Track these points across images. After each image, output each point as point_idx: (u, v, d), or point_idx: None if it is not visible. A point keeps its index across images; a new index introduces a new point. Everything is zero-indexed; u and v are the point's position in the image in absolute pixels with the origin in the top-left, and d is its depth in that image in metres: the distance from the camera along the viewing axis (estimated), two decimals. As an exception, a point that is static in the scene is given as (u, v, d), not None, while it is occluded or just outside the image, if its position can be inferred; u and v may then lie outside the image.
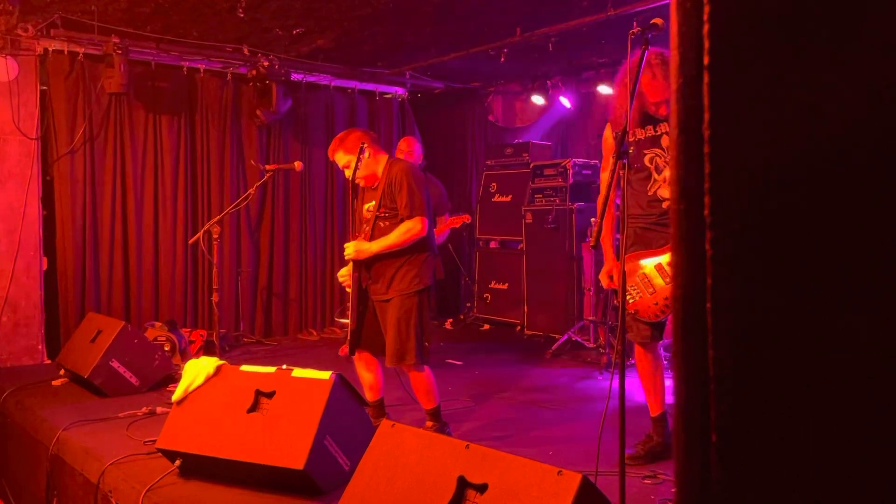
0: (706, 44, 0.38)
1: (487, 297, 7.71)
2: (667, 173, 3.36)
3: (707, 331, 0.40)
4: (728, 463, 0.40)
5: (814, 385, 0.39)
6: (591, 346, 6.23)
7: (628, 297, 3.51)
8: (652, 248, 3.47)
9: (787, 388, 0.40)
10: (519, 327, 7.25)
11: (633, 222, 3.52)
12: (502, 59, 6.55)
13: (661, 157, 3.40)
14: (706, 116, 0.38)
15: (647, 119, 3.42)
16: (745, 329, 0.39)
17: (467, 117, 8.72)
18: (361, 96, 7.69)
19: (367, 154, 3.78)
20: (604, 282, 3.61)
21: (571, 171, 6.89)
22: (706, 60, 0.38)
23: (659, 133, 3.41)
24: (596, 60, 7.20)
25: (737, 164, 0.38)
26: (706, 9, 0.38)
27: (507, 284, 7.53)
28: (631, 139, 3.40)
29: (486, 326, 7.64)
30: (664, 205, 3.42)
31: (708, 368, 0.40)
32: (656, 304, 3.43)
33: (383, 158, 3.91)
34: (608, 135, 3.56)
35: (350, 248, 3.80)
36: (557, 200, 6.95)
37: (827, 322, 0.39)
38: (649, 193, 3.45)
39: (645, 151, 3.42)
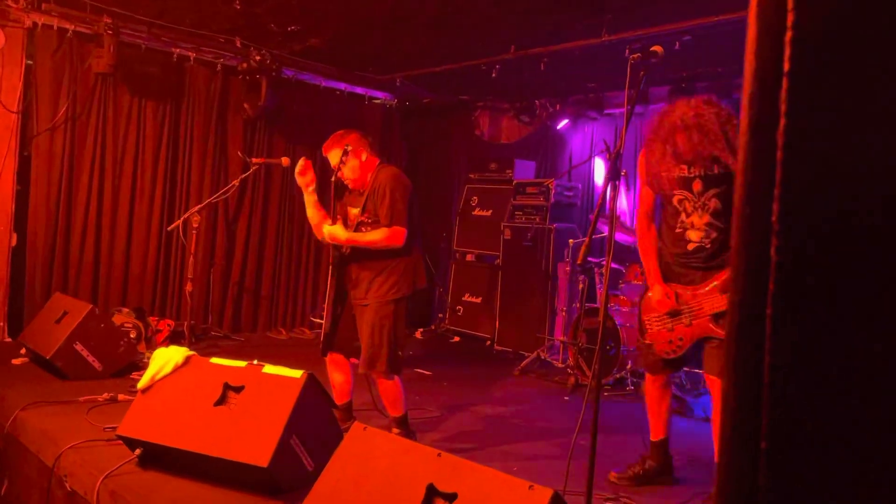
0: (787, 51, 0.39)
1: (460, 309, 7.71)
2: (695, 219, 3.30)
3: (765, 337, 0.40)
4: (777, 471, 0.40)
5: (872, 398, 0.40)
6: (560, 366, 6.25)
7: (649, 327, 3.50)
8: (681, 283, 3.41)
9: (844, 400, 0.40)
10: (489, 342, 7.25)
11: (664, 254, 3.48)
12: (494, 75, 6.58)
13: (689, 201, 3.32)
14: (782, 123, 0.39)
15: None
16: (805, 338, 0.39)
17: (453, 129, 8.74)
18: (350, 98, 7.68)
19: (350, 156, 3.77)
20: (663, 304, 3.42)
21: (553, 191, 6.94)
22: (787, 67, 0.39)
23: (692, 175, 3.29)
24: (586, 84, 7.28)
25: (810, 175, 0.39)
26: (790, 16, 0.38)
27: (480, 298, 7.54)
28: (665, 173, 3.31)
29: (457, 339, 7.63)
30: (689, 246, 3.35)
31: (762, 375, 0.40)
32: (670, 342, 3.42)
33: (374, 164, 3.90)
34: (641, 162, 3.50)
35: (325, 229, 3.77)
36: (537, 219, 6.99)
37: (889, 336, 0.39)
38: (677, 231, 3.38)
39: (675, 192, 3.34)
